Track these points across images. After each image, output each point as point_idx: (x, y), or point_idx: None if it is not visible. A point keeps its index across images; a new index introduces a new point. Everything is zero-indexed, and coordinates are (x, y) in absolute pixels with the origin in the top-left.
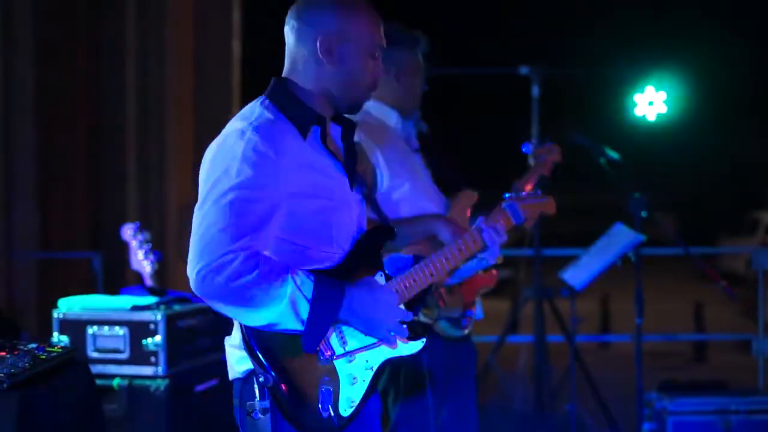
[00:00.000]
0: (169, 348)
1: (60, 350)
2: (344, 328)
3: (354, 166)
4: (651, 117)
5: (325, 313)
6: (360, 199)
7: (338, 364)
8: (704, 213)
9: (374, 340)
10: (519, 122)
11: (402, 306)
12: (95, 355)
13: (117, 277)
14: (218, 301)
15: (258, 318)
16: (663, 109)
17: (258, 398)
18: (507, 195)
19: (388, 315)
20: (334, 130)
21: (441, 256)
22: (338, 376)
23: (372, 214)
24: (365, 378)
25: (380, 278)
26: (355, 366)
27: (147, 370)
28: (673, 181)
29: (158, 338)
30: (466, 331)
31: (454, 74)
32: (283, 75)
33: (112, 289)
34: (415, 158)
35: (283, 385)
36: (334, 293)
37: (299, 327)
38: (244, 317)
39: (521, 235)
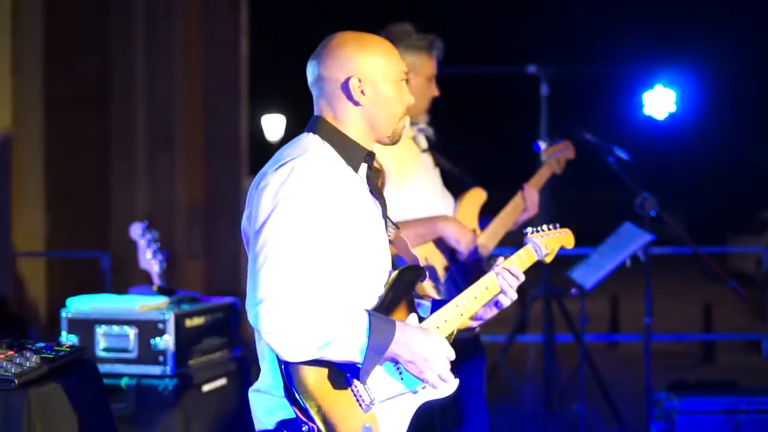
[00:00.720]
0: (178, 347)
1: (68, 349)
2: (385, 371)
3: (386, 210)
4: (660, 116)
5: (380, 344)
6: (387, 242)
7: (377, 409)
8: (713, 213)
9: (414, 386)
10: (527, 121)
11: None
12: (104, 354)
13: (125, 276)
14: (281, 334)
15: (313, 349)
16: (672, 108)
17: None
18: (527, 230)
19: (440, 357)
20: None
21: (469, 295)
22: (378, 422)
23: (400, 257)
24: (403, 421)
25: (413, 319)
26: (394, 410)
27: (155, 370)
28: (681, 181)
29: (167, 338)
30: (476, 331)
31: (460, 74)
32: (321, 113)
33: (121, 288)
34: (424, 158)
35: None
36: (388, 325)
37: (354, 358)
38: (301, 349)
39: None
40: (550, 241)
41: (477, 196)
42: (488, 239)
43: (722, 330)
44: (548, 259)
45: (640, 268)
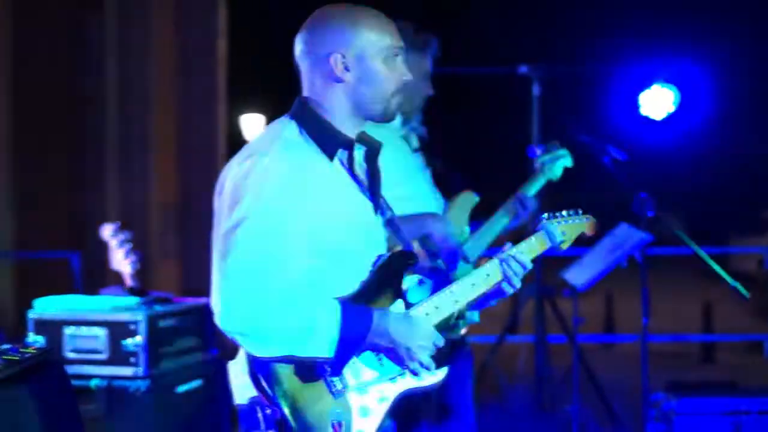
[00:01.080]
0: (151, 348)
1: (34, 351)
2: (360, 359)
3: (378, 190)
4: (658, 116)
5: (353, 339)
6: (383, 223)
7: (350, 395)
8: (715, 212)
9: (393, 374)
10: (520, 122)
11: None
12: (73, 355)
13: (98, 277)
14: (245, 335)
15: (280, 348)
16: (671, 109)
17: (264, 427)
18: (543, 216)
19: (422, 345)
20: (358, 151)
21: (467, 282)
22: (350, 409)
23: (394, 238)
24: (379, 409)
25: (400, 305)
26: (369, 397)
27: (127, 371)
28: (683, 180)
29: (139, 339)
30: (462, 332)
31: (451, 74)
32: (304, 95)
33: (93, 290)
34: (415, 158)
35: (291, 419)
36: (363, 317)
37: (325, 353)
38: (267, 349)
39: (520, 233)
40: (567, 228)
41: (468, 199)
42: (477, 243)
43: (723, 330)
44: (564, 247)
45: (637, 268)
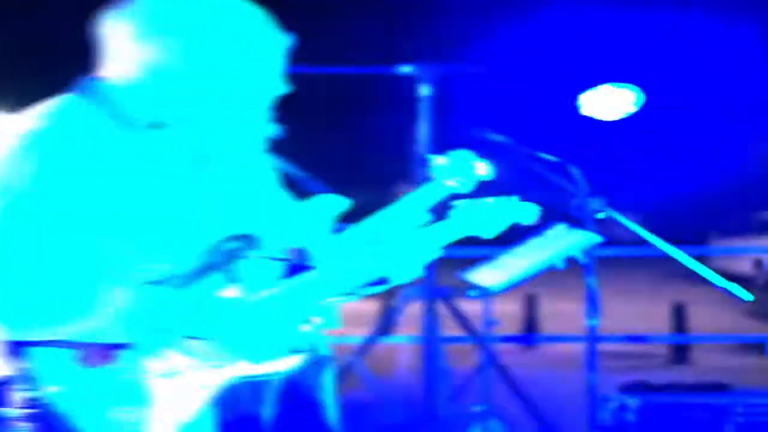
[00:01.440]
0: None
1: None
2: (174, 345)
3: (203, 171)
4: (611, 117)
5: (155, 324)
6: (213, 207)
7: (153, 381)
8: (709, 212)
9: (216, 360)
10: (408, 124)
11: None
12: None
13: None
14: (23, 327)
15: (52, 330)
16: (631, 109)
17: (20, 407)
18: (462, 201)
19: (251, 331)
20: (178, 133)
21: (338, 266)
22: (146, 398)
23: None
24: (196, 397)
25: (232, 292)
26: (183, 384)
27: None
28: (675, 181)
29: None
30: (322, 330)
31: (330, 73)
32: (102, 74)
33: None
34: (259, 158)
35: (58, 405)
36: (165, 302)
37: (114, 339)
38: (33, 330)
39: None
40: (490, 213)
41: (328, 203)
42: (339, 247)
43: (705, 331)
44: (488, 234)
45: (621, 269)
